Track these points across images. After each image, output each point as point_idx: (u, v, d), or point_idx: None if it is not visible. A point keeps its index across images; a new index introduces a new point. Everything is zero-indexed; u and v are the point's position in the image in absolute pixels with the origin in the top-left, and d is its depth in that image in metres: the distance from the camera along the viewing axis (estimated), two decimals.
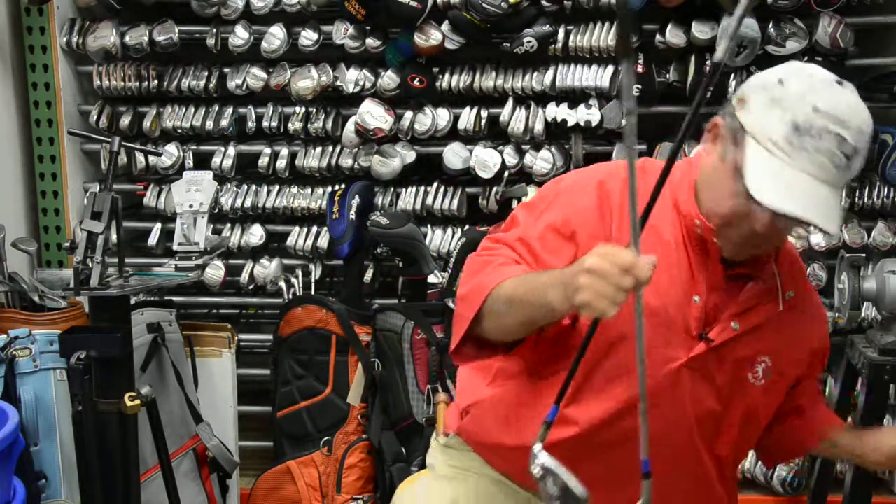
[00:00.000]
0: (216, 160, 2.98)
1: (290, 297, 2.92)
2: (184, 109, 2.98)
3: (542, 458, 1.14)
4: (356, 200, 2.86)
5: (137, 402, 2.12)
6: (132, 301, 2.47)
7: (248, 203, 2.97)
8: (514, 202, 2.82)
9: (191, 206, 2.52)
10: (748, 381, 1.54)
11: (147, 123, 2.98)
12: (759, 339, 1.53)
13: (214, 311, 3.40)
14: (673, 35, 2.77)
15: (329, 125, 2.93)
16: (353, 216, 2.83)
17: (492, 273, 1.45)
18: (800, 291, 1.59)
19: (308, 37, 2.90)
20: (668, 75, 2.84)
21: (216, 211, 2.94)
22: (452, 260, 2.78)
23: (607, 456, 1.51)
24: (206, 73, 2.96)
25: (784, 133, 1.35)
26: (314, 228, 2.99)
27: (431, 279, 2.78)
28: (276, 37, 2.88)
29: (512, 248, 1.52)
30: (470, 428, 1.69)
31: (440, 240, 2.90)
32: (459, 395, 1.78)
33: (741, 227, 1.43)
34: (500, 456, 1.66)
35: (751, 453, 2.91)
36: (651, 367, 1.34)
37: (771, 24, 2.72)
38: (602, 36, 2.79)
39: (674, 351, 1.49)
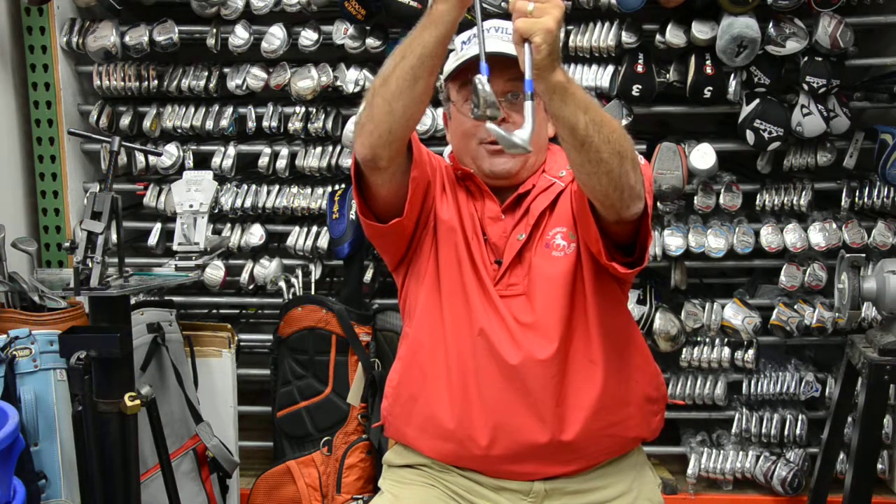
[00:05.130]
0: (216, 160, 2.98)
1: (290, 297, 2.92)
2: (184, 109, 2.98)
3: (479, 76, 1.43)
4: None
5: (137, 402, 2.12)
6: (132, 301, 2.47)
7: (248, 203, 2.97)
8: None
9: (191, 206, 2.52)
10: (555, 257, 1.81)
11: (147, 123, 2.98)
12: (544, 225, 1.83)
13: (214, 311, 3.41)
14: (673, 35, 2.77)
15: (329, 125, 2.93)
16: (353, 216, 2.83)
17: None
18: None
19: (308, 37, 2.90)
20: (668, 75, 2.84)
21: (216, 211, 2.94)
22: None
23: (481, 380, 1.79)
24: (206, 73, 2.96)
25: (458, 49, 1.86)
26: (314, 228, 2.99)
27: None
28: (276, 37, 2.88)
29: None
30: (389, 409, 1.93)
31: None
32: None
33: (480, 131, 1.80)
34: (413, 427, 1.87)
35: (750, 453, 2.92)
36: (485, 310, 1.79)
37: (771, 24, 2.72)
38: (602, 36, 2.79)
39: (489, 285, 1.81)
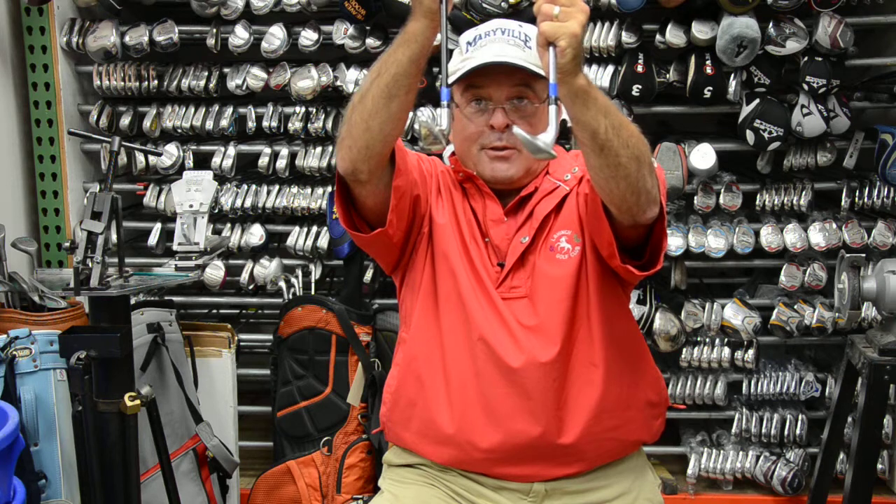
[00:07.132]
0: (216, 160, 2.98)
1: (290, 297, 2.92)
2: (184, 109, 2.98)
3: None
4: None
5: (137, 402, 2.12)
6: (132, 301, 2.47)
7: (248, 203, 2.97)
8: None
9: (191, 206, 2.52)
10: (560, 260, 1.79)
11: (147, 123, 2.98)
12: (549, 228, 1.81)
13: (214, 311, 3.41)
14: (673, 35, 2.78)
15: (329, 125, 2.93)
16: None
17: None
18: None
19: (308, 37, 2.90)
20: (668, 75, 2.84)
21: (216, 211, 2.94)
22: None
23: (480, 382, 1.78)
24: (206, 73, 2.96)
25: (463, 49, 1.83)
26: (314, 228, 2.99)
27: None
28: (276, 37, 2.88)
29: None
30: (388, 415, 1.93)
31: None
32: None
33: (483, 137, 1.79)
34: (413, 433, 1.86)
35: (750, 453, 2.92)
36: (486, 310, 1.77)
37: (771, 24, 2.72)
38: (602, 36, 2.79)
39: (490, 288, 1.79)
